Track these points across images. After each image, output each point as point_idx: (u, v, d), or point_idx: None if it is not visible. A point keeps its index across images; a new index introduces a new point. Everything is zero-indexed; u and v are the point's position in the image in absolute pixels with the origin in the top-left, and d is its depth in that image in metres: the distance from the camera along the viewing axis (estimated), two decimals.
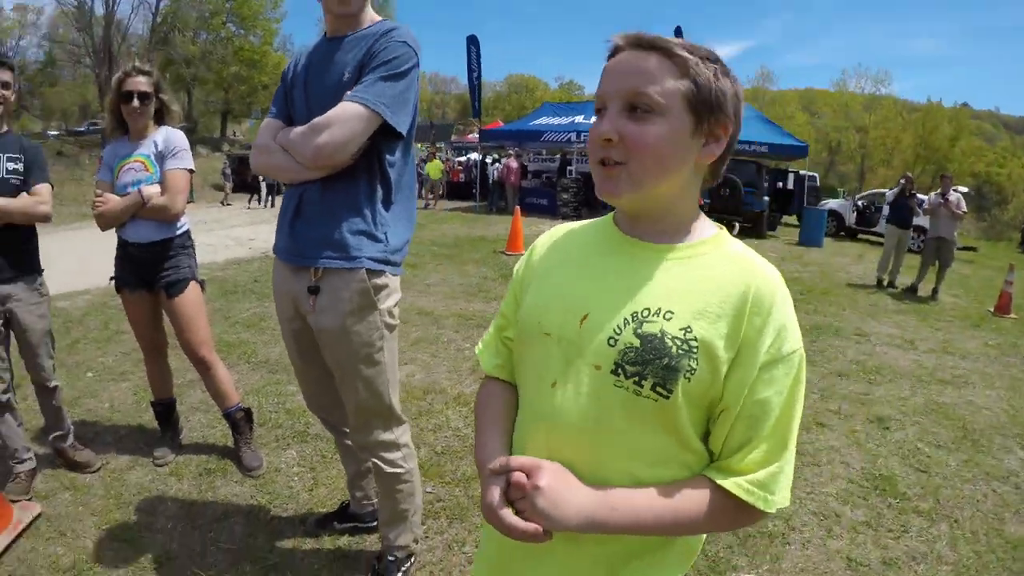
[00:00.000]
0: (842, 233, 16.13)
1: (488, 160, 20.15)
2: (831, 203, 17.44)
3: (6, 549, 2.22)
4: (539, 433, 0.81)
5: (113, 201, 2.49)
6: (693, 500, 0.75)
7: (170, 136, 2.58)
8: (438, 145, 23.64)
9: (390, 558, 1.95)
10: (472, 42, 17.66)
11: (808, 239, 13.31)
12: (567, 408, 0.78)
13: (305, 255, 1.69)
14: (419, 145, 21.38)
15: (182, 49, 34.31)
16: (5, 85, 2.40)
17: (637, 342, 0.74)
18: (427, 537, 2.30)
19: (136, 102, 2.48)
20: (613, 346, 0.75)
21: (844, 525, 2.58)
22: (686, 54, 0.75)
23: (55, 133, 35.39)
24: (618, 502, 0.74)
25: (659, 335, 0.73)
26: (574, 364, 0.78)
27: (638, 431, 0.76)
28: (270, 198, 19.21)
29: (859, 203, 16.48)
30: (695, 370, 0.72)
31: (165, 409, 2.95)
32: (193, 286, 2.67)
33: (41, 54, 43.12)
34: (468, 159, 23.30)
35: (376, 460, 1.84)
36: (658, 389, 0.73)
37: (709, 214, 0.97)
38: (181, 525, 2.37)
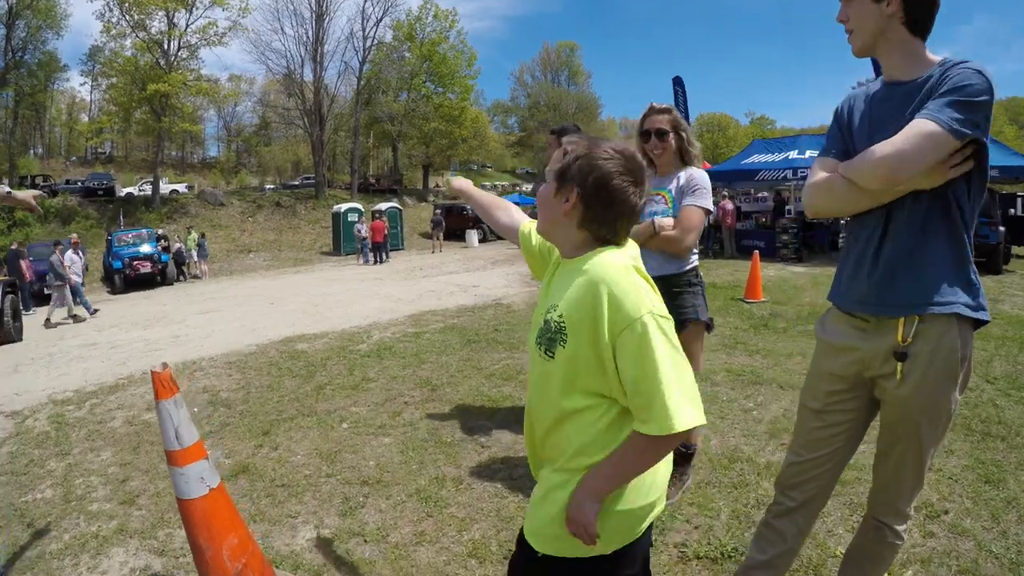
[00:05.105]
0: None
1: None
2: None
3: None
4: None
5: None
6: None
7: (693, 175, 2.55)
8: None
9: None
10: (678, 83, 15.67)
11: None
12: None
13: (889, 303, 1.49)
14: None
15: (386, 108, 36.73)
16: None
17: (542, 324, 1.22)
18: None
19: (654, 139, 2.54)
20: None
21: None
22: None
23: (271, 187, 40.01)
24: None
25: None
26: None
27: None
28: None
29: None
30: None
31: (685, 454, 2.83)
32: (694, 327, 2.61)
33: (255, 118, 49.77)
34: None
35: (886, 526, 1.70)
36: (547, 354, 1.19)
37: None
38: None
